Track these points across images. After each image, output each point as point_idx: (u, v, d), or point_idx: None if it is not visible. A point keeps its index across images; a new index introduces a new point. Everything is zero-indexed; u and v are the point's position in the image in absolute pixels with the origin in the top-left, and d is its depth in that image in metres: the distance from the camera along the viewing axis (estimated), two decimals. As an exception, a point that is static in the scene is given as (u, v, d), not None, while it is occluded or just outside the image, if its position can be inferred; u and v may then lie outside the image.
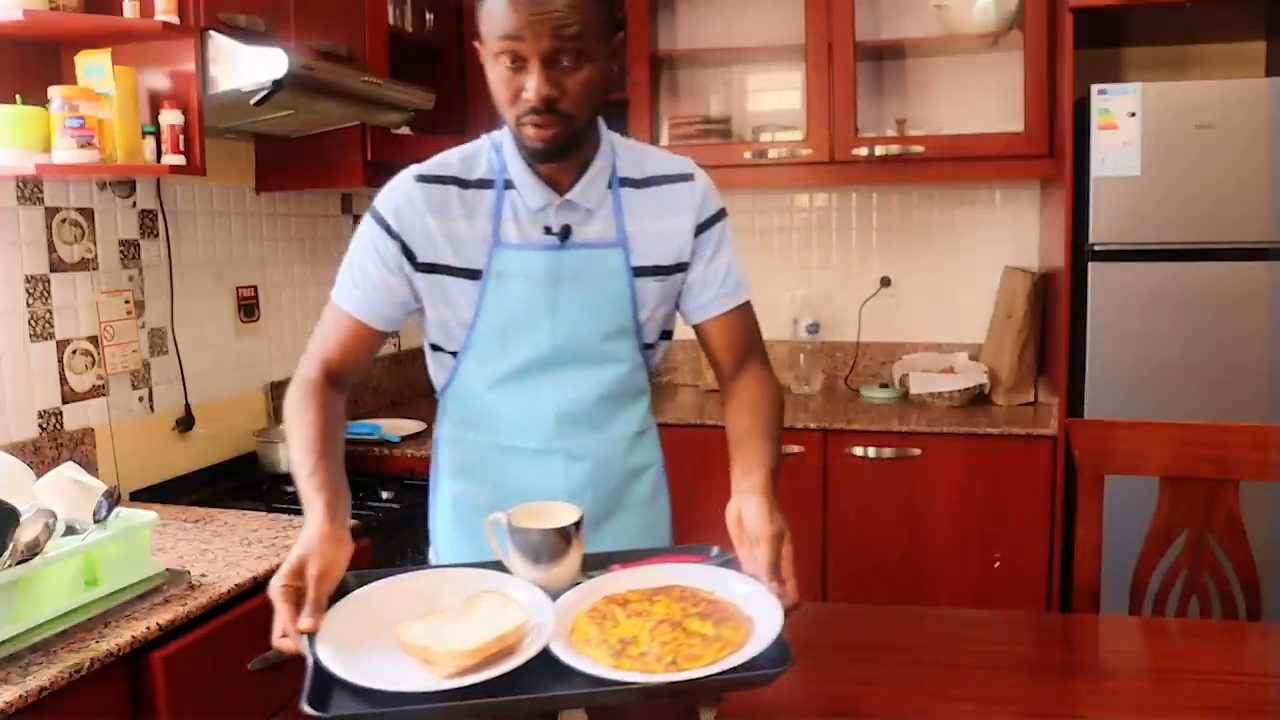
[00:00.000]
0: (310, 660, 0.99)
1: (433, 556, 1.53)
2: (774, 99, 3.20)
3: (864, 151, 2.79)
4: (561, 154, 1.30)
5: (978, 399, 2.87)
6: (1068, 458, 2.40)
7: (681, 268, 1.42)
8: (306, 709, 0.92)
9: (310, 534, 1.12)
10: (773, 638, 1.02)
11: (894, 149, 2.78)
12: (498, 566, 1.21)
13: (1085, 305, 2.45)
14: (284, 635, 1.04)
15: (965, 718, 1.20)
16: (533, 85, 1.21)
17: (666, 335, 1.48)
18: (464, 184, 1.36)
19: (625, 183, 1.39)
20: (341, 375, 1.40)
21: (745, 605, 1.10)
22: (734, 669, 0.98)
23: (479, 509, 1.39)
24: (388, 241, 1.34)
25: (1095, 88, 2.39)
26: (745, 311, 1.46)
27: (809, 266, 3.24)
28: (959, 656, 1.34)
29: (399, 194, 1.36)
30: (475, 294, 1.35)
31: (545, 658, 1.01)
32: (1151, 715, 1.19)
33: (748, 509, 1.17)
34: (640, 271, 1.38)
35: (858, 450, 2.62)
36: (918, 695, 1.23)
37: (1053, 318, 2.73)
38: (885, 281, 3.16)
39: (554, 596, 1.12)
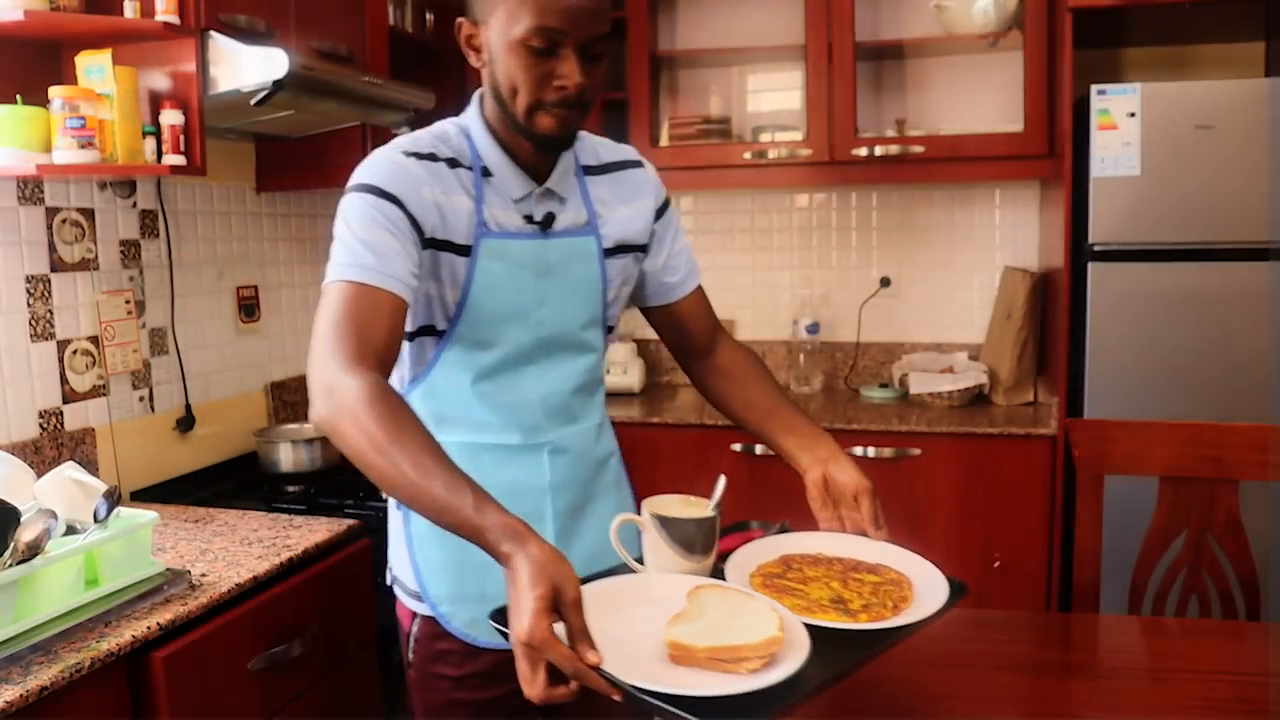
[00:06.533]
0: (628, 689, 0.90)
1: (403, 570, 1.40)
2: (774, 99, 3.20)
3: (864, 151, 2.80)
4: (570, 145, 1.31)
5: (977, 399, 2.87)
6: (1067, 458, 2.40)
7: (643, 249, 1.45)
8: None
9: (541, 559, 0.94)
10: (932, 565, 1.18)
11: (894, 149, 2.78)
12: (612, 570, 1.19)
13: (1085, 305, 2.45)
14: (549, 687, 0.92)
15: (965, 718, 1.20)
16: (569, 74, 1.19)
17: (612, 327, 1.48)
18: (448, 161, 1.29)
19: (587, 170, 1.40)
20: (389, 371, 1.19)
21: (856, 554, 1.23)
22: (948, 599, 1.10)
23: None
24: (395, 211, 1.22)
25: (1095, 88, 2.39)
26: (701, 289, 1.54)
27: (809, 266, 3.24)
28: (959, 656, 1.34)
29: (392, 166, 1.25)
30: (464, 273, 1.28)
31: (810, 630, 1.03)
32: (1151, 715, 1.19)
33: (837, 471, 1.29)
34: (610, 252, 1.39)
35: (857, 450, 2.62)
36: (918, 695, 1.23)
37: (1052, 318, 2.73)
38: (885, 281, 3.17)
39: None
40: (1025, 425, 2.57)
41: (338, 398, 1.07)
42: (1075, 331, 2.52)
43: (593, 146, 1.44)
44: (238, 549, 1.77)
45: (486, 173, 1.31)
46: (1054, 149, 2.65)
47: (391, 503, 1.42)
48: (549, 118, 1.23)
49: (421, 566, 1.37)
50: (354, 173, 1.27)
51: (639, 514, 1.21)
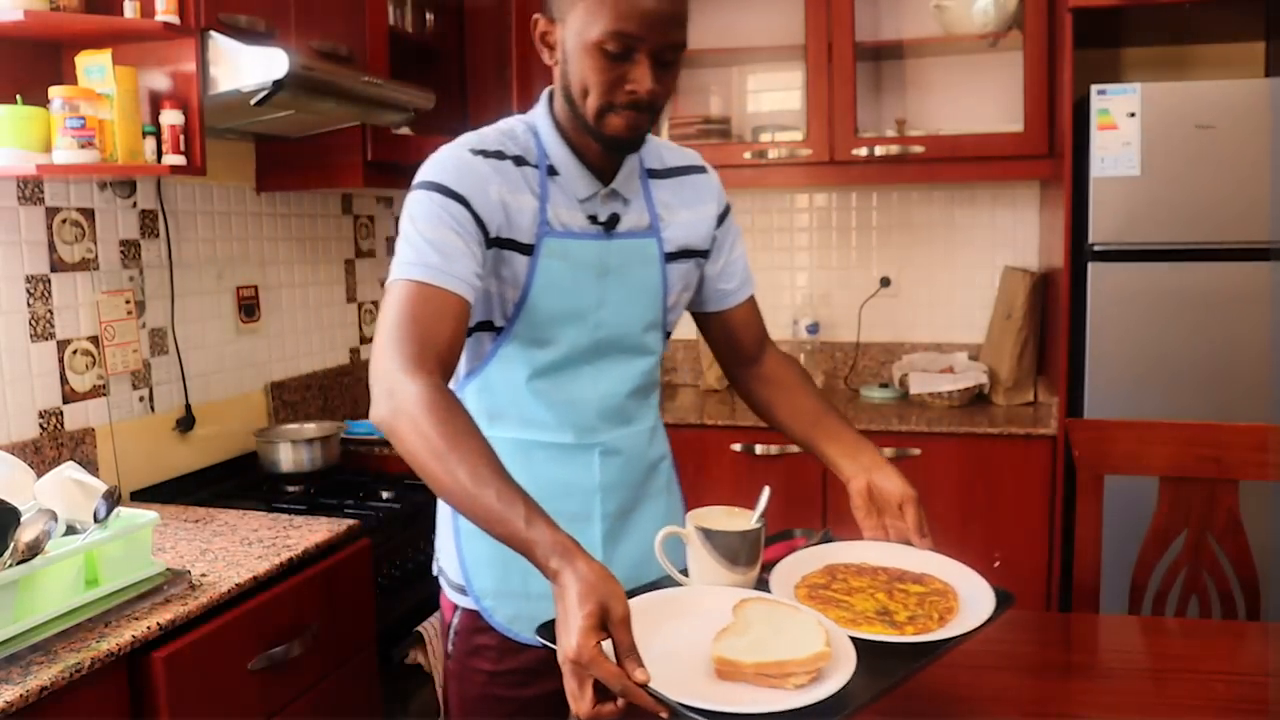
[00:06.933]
0: (675, 706, 0.90)
1: (449, 563, 1.42)
2: (774, 99, 3.20)
3: (864, 151, 2.80)
4: (637, 148, 1.31)
5: (977, 399, 2.87)
6: (1067, 458, 2.40)
7: (705, 254, 1.45)
8: None
9: (590, 577, 0.95)
10: (978, 574, 1.18)
11: (894, 149, 2.78)
12: (655, 583, 1.19)
13: (1085, 305, 2.45)
14: (596, 704, 0.92)
15: (965, 717, 1.20)
16: (641, 79, 1.20)
17: (669, 332, 1.48)
18: (514, 159, 1.30)
19: (651, 174, 1.40)
20: (451, 373, 1.20)
21: (901, 563, 1.23)
22: (996, 608, 1.11)
23: None
24: (461, 210, 1.22)
25: (1095, 88, 2.39)
26: (754, 298, 1.55)
27: (809, 266, 3.24)
28: (959, 656, 1.34)
29: (458, 164, 1.25)
30: (525, 271, 1.28)
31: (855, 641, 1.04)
32: (1151, 715, 1.19)
33: (882, 480, 1.31)
34: (671, 257, 1.39)
35: (858, 450, 2.62)
36: (917, 694, 1.23)
37: (1052, 318, 2.74)
38: (885, 281, 3.17)
39: None
40: (1025, 425, 2.57)
41: (397, 400, 1.09)
42: (1075, 331, 2.52)
43: (657, 150, 1.43)
44: (238, 549, 1.77)
45: (553, 171, 1.31)
46: (1054, 149, 2.65)
47: (450, 511, 1.43)
48: (618, 119, 1.23)
49: (468, 560, 1.38)
50: (420, 169, 1.27)
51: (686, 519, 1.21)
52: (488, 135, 1.31)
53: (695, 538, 1.18)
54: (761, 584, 1.18)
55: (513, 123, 1.34)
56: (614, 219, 1.34)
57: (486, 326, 1.33)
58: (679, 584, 1.19)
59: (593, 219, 1.32)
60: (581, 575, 0.95)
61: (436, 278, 1.17)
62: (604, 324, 1.34)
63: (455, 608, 1.41)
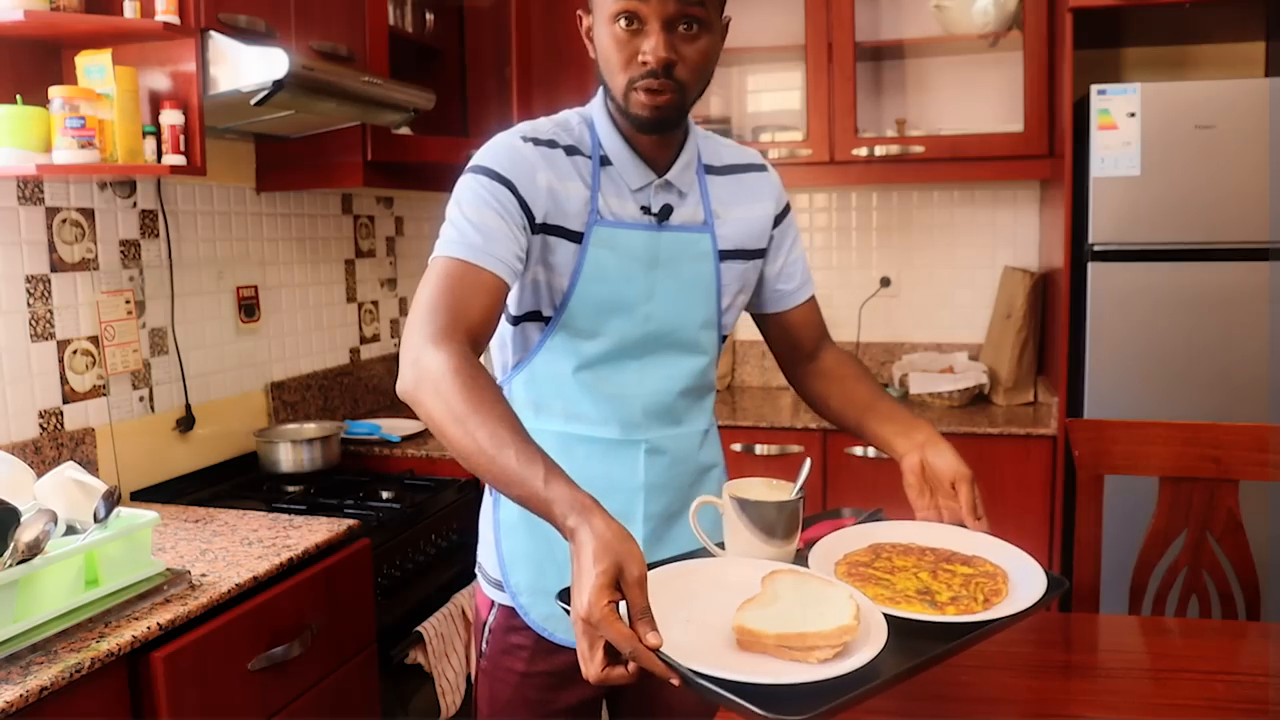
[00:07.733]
0: (686, 673, 0.87)
1: (488, 557, 1.42)
2: (774, 99, 3.20)
3: (864, 152, 2.80)
4: (667, 126, 1.27)
5: (977, 399, 2.87)
6: (1067, 457, 2.40)
7: (760, 254, 1.43)
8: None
9: (606, 535, 0.91)
10: (1030, 557, 1.12)
11: (894, 149, 2.78)
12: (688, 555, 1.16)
13: (1085, 305, 2.45)
14: (606, 666, 0.89)
15: (965, 718, 1.20)
16: (651, 47, 1.19)
17: (724, 336, 1.46)
18: (566, 148, 1.30)
19: (709, 169, 1.39)
20: (481, 348, 1.18)
21: (951, 545, 1.18)
22: (1043, 592, 1.05)
23: None
24: (505, 194, 1.22)
25: (1095, 88, 2.39)
26: (814, 299, 1.55)
27: (809, 266, 3.23)
28: (959, 656, 1.34)
29: (508, 150, 1.26)
30: (573, 260, 1.28)
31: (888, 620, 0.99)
32: (1151, 715, 1.19)
33: (936, 457, 1.26)
34: (726, 255, 1.37)
35: (857, 450, 2.62)
36: (917, 695, 1.23)
37: (1052, 318, 2.74)
38: (885, 281, 3.17)
39: None
40: (1025, 425, 2.57)
41: (421, 368, 1.08)
42: (1075, 331, 2.52)
43: (715, 147, 1.42)
44: (238, 549, 1.77)
45: (606, 161, 1.31)
46: (1054, 149, 2.65)
47: (485, 488, 1.42)
48: (640, 95, 1.22)
49: (505, 555, 1.38)
50: (474, 155, 1.28)
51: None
52: (541, 125, 1.31)
53: (731, 508, 1.14)
54: (800, 560, 1.14)
55: (568, 115, 1.35)
56: (666, 210, 1.32)
57: (534, 317, 1.32)
58: (713, 556, 1.15)
59: (645, 209, 1.31)
60: (598, 533, 0.91)
61: (476, 256, 1.17)
62: (653, 317, 1.32)
63: (491, 604, 1.41)
